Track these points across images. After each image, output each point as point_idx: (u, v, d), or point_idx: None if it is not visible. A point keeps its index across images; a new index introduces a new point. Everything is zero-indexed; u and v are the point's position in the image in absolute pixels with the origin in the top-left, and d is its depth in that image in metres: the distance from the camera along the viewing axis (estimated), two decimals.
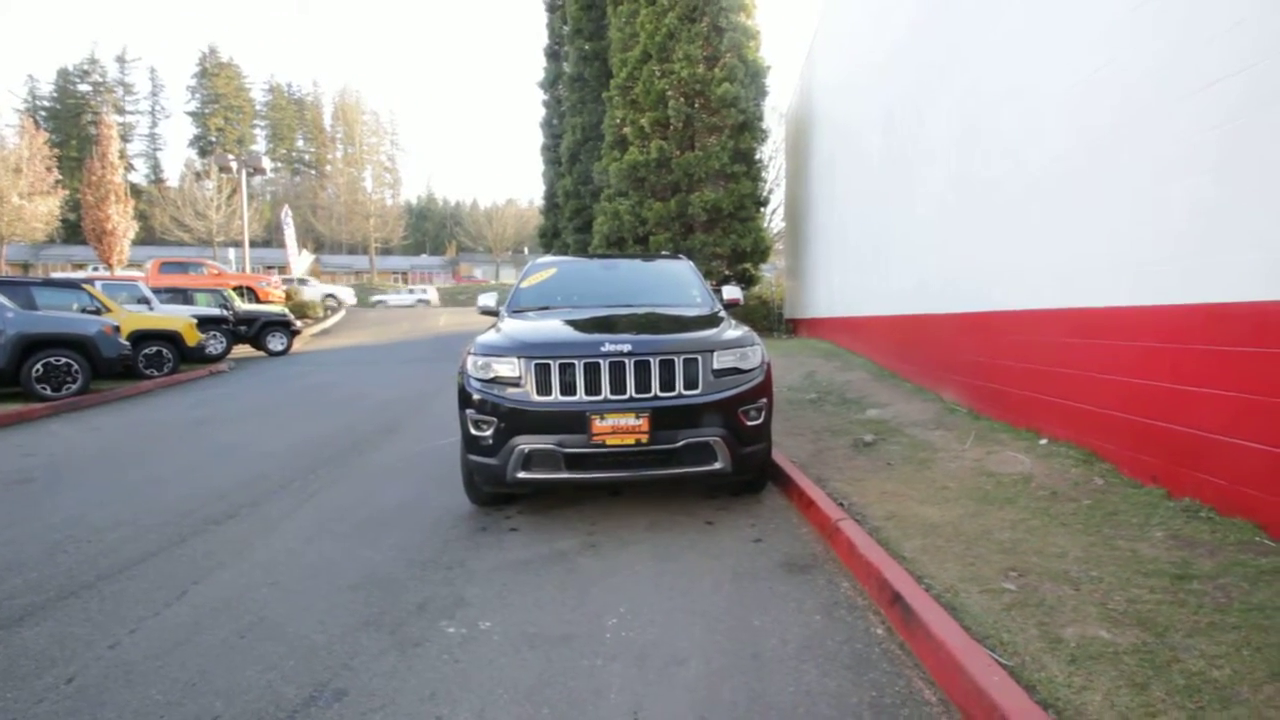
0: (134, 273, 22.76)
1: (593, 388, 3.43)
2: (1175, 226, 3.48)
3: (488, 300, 5.03)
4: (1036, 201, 4.89)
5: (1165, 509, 3.26)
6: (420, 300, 37.28)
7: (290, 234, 23.83)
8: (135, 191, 29.34)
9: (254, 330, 14.96)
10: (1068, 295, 4.44)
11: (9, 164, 24.46)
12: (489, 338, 3.88)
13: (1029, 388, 4.91)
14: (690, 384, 3.49)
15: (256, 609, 2.78)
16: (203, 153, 50.49)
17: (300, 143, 59.06)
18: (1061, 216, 4.58)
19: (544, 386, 3.45)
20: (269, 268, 34.40)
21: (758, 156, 14.70)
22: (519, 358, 3.54)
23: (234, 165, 21.00)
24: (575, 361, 3.45)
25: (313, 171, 58.02)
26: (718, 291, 5.09)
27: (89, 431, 6.76)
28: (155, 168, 56.11)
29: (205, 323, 12.46)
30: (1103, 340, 4.04)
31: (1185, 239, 3.41)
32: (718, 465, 3.52)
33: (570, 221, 17.92)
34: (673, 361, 3.49)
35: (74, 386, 8.09)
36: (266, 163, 24.12)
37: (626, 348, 3.47)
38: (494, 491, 3.81)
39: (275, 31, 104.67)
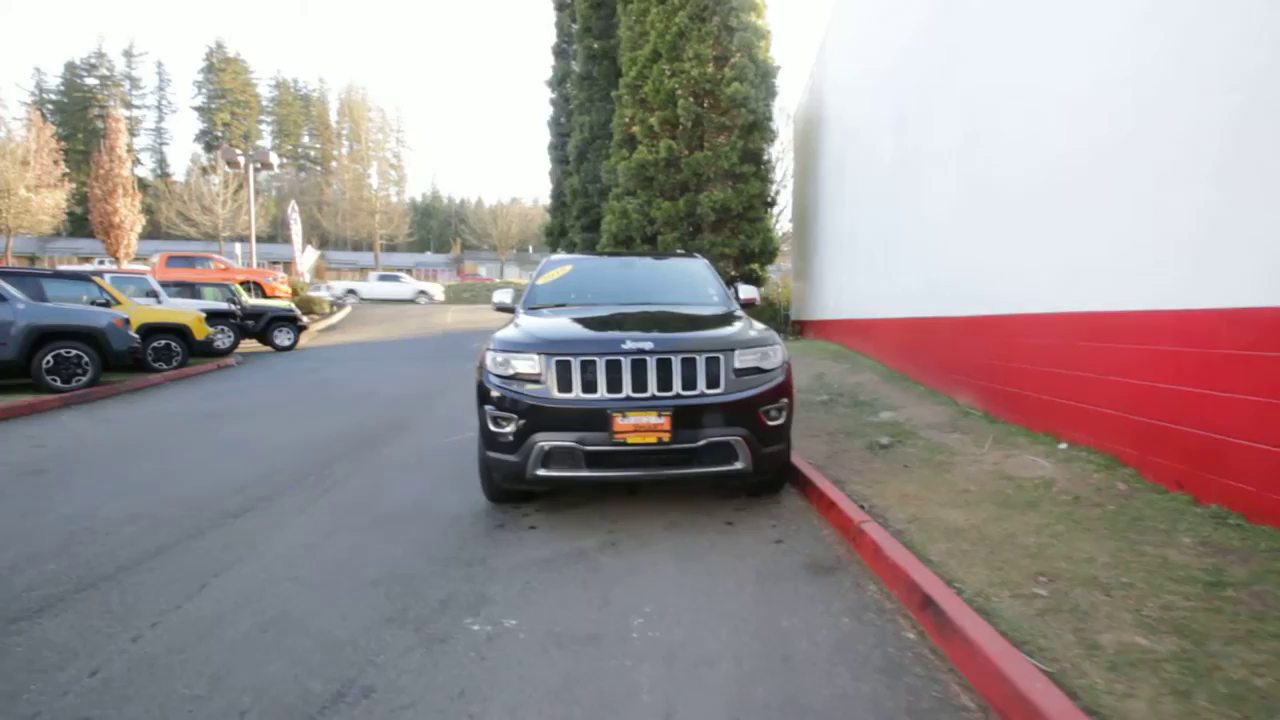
0: (140, 266, 22.80)
1: (614, 385, 3.40)
2: (1189, 231, 3.45)
3: (503, 297, 5.01)
4: (1053, 204, 4.86)
5: (1192, 515, 3.23)
6: (421, 293, 32.23)
7: (297, 230, 23.84)
8: (141, 186, 29.38)
9: (261, 325, 14.96)
10: (1087, 299, 4.40)
11: (16, 157, 24.50)
12: (508, 334, 3.85)
13: (1047, 391, 4.87)
14: (712, 383, 3.47)
15: (278, 603, 2.76)
16: (209, 147, 50.58)
17: (306, 139, 59.12)
18: (1078, 219, 4.55)
19: (565, 383, 3.43)
20: (274, 263, 34.44)
21: (766, 157, 14.65)
22: (539, 354, 3.52)
23: (241, 160, 21.02)
24: (597, 359, 3.42)
25: (318, 168, 58.08)
26: (733, 290, 5.06)
27: (100, 424, 6.75)
28: (161, 162, 56.26)
29: (213, 317, 12.47)
30: (1125, 344, 4.01)
31: (1201, 243, 3.38)
32: (739, 465, 3.49)
33: (577, 220, 17.90)
34: (695, 360, 3.46)
35: (84, 379, 8.08)
36: (274, 157, 24.11)
37: (648, 345, 3.44)
38: (512, 488, 3.78)
39: (282, 27, 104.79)
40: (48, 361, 7.85)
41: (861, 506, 3.58)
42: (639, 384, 3.40)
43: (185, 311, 11.01)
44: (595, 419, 3.36)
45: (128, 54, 54.99)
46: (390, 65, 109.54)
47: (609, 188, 15.90)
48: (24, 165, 24.75)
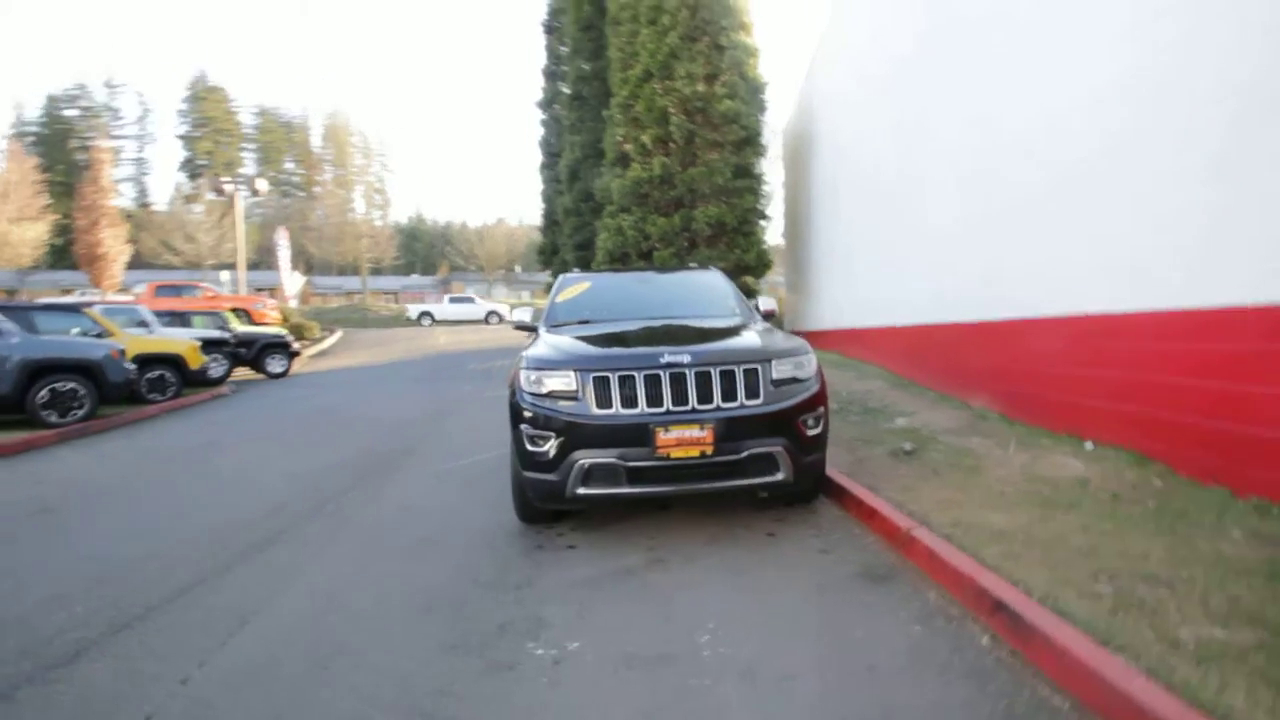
0: (123, 297, 22.46)
1: (654, 399, 3.37)
2: (1200, 228, 3.52)
3: (523, 315, 4.97)
4: (1066, 207, 4.93)
5: (1235, 509, 3.25)
6: (492, 313, 30.60)
7: (285, 256, 23.66)
8: (123, 216, 29.02)
9: (254, 352, 14.76)
10: (1111, 300, 4.45)
11: None
12: (539, 352, 3.81)
13: (1069, 392, 4.91)
14: (751, 394, 3.45)
15: (330, 637, 2.67)
16: (192, 176, 50.21)
17: (289, 165, 58.91)
18: (1093, 221, 4.62)
19: (604, 400, 3.39)
20: (258, 290, 34.09)
21: (758, 171, 14.80)
22: (575, 370, 3.48)
23: (230, 187, 20.83)
24: (635, 373, 3.40)
25: (301, 194, 57.79)
26: (753, 302, 5.07)
27: (101, 459, 6.58)
28: (142, 192, 55.70)
29: (206, 345, 12.27)
30: (1151, 344, 4.05)
31: (1208, 240, 3.45)
32: (780, 476, 3.47)
33: (570, 238, 17.91)
34: (733, 372, 3.45)
35: (80, 412, 7.89)
36: (263, 184, 23.98)
37: (686, 358, 3.42)
38: (549, 508, 3.72)
39: (264, 55, 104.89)
40: (43, 396, 7.66)
41: (906, 513, 3.55)
42: (679, 397, 3.37)
43: (179, 341, 10.84)
44: (636, 434, 3.32)
45: (108, 85, 54.71)
46: (372, 90, 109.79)
47: (602, 205, 15.96)
48: (4, 198, 24.40)
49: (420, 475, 5.51)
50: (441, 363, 16.83)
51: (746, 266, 14.60)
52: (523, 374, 3.64)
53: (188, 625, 2.85)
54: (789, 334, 4.09)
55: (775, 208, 19.17)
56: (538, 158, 22.65)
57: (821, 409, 3.67)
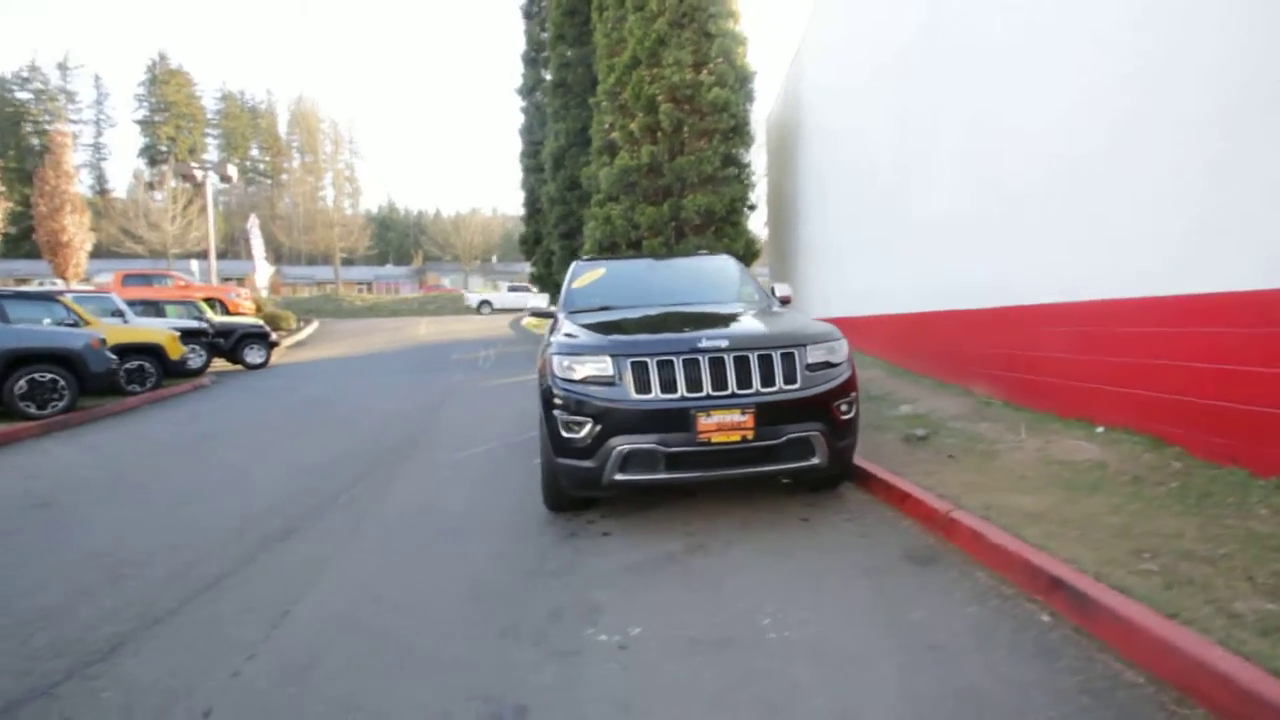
0: (85, 287, 21.62)
1: (693, 384, 3.35)
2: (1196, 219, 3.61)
3: (539, 302, 4.90)
4: (1068, 196, 5.02)
5: (1257, 488, 3.35)
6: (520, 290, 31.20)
7: (258, 244, 22.98)
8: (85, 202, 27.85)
9: (232, 343, 14.36)
10: (1117, 287, 4.54)
11: None
12: (570, 338, 3.75)
13: (1077, 377, 5.01)
14: (789, 378, 3.44)
15: (377, 625, 2.60)
16: (153, 162, 48.43)
17: (255, 151, 57.21)
18: (1096, 210, 4.71)
19: (642, 384, 3.35)
20: (226, 279, 33.11)
21: (746, 161, 14.81)
22: (611, 356, 3.44)
23: (198, 173, 20.10)
24: (674, 358, 3.37)
25: (268, 181, 56.29)
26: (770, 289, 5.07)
27: (88, 451, 6.33)
28: (100, 178, 53.54)
29: (184, 336, 11.89)
30: (1163, 328, 4.15)
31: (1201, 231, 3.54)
32: (815, 461, 3.47)
33: (555, 227, 17.73)
34: (770, 356, 3.44)
35: (60, 404, 7.58)
36: (232, 169, 23.21)
37: (724, 343, 3.40)
38: (584, 495, 3.68)
39: (228, 37, 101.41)
40: (21, 387, 7.34)
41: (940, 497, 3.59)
42: (719, 382, 3.35)
43: (159, 331, 10.47)
44: (676, 419, 3.29)
45: (63, 67, 52.34)
46: (342, 76, 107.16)
47: (589, 194, 15.83)
48: None
49: (429, 465, 5.42)
50: (426, 354, 16.59)
51: (735, 255, 14.61)
52: (555, 360, 3.58)
53: (226, 617, 2.76)
54: (815, 319, 4.09)
55: (758, 197, 19.26)
56: (513, 146, 22.51)
57: (854, 394, 3.69)
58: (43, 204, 19.09)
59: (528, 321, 25.62)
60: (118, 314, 11.57)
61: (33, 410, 7.36)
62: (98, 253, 38.06)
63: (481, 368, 13.42)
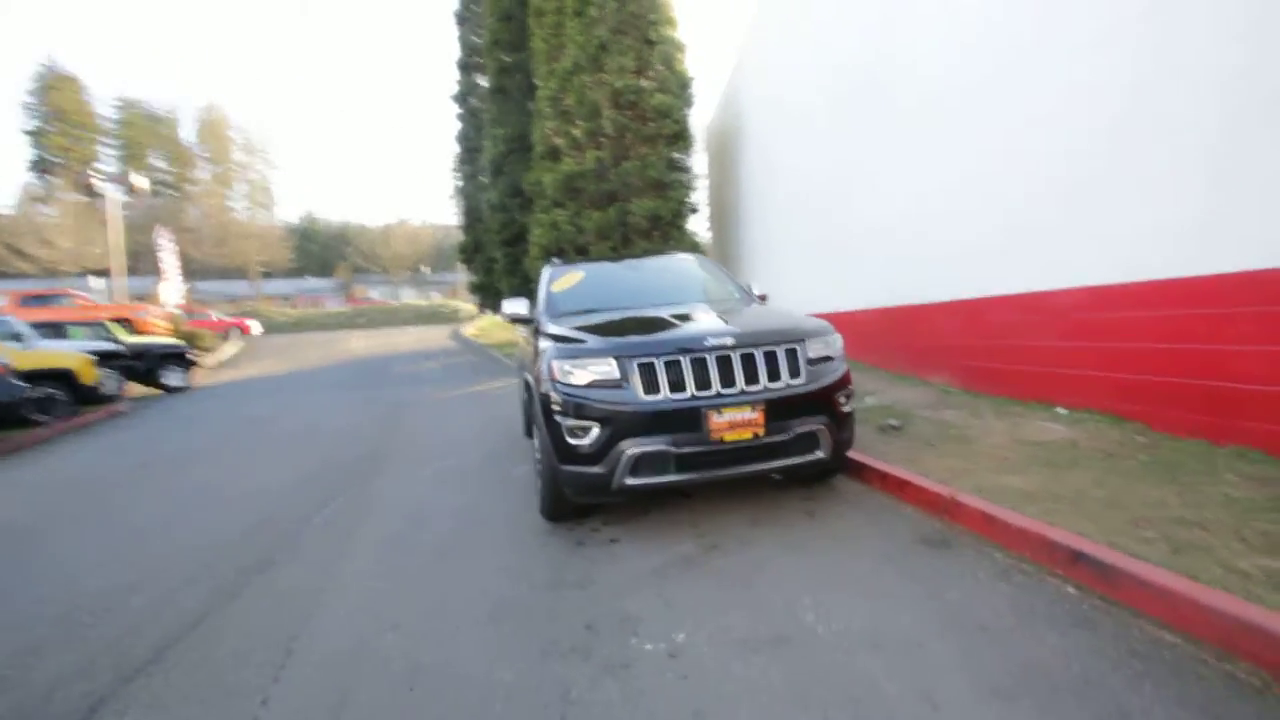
0: None
1: (702, 383, 3.31)
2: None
3: (517, 307, 4.75)
4: (1032, 190, 5.32)
5: (1221, 456, 3.61)
6: None
7: (170, 259, 21.36)
8: None
9: (147, 365, 13.28)
10: (1077, 275, 4.84)
11: None
12: (567, 341, 3.64)
13: (1035, 363, 5.30)
14: (794, 373, 3.46)
15: (401, 655, 2.42)
16: (42, 174, 44.28)
17: (158, 162, 53.20)
18: (1042, 207, 5.01)
19: (651, 385, 3.29)
20: (135, 298, 30.66)
21: (688, 165, 14.98)
22: (615, 358, 3.36)
23: (105, 185, 18.39)
24: (680, 357, 3.32)
25: (174, 192, 52.52)
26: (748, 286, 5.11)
27: (9, 488, 5.68)
28: None
29: (97, 359, 10.89)
30: (1121, 313, 4.44)
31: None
32: (820, 454, 3.51)
33: (498, 235, 17.34)
34: (775, 352, 3.45)
35: None
36: (141, 180, 21.41)
37: (730, 340, 3.38)
38: (590, 502, 3.58)
39: (125, 43, 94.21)
40: None
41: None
42: (726, 379, 3.33)
43: (70, 354, 9.57)
44: (687, 419, 3.25)
45: None
46: (255, 86, 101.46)
47: (531, 200, 15.61)
48: None
49: (401, 482, 5.15)
50: (366, 368, 15.89)
51: None
52: (555, 365, 3.47)
53: (220, 661, 2.50)
54: (806, 315, 4.14)
55: (698, 201, 19.52)
56: (440, 156, 21.99)
57: (851, 387, 3.75)
58: None
59: (469, 331, 24.98)
60: (17, 337, 10.48)
61: None
62: None
63: (429, 380, 12.96)
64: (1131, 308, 4.37)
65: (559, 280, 4.91)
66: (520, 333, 5.61)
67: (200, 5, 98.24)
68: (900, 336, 7.54)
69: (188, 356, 14.15)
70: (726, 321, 3.87)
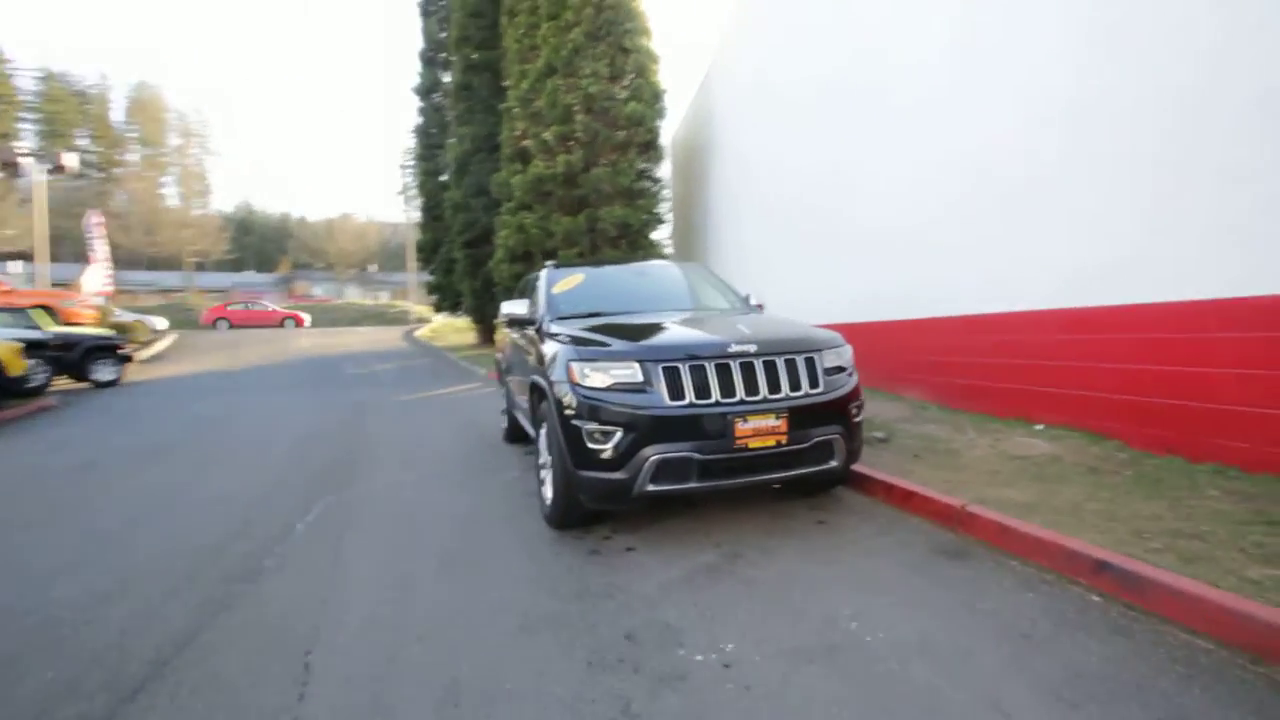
0: None
1: (727, 389, 3.30)
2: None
3: (516, 309, 4.65)
4: (1001, 216, 5.56)
5: (1200, 473, 3.84)
6: None
7: (100, 245, 19.95)
8: None
9: (76, 357, 12.34)
10: (1060, 296, 5.08)
11: None
12: (583, 344, 3.56)
13: (1015, 381, 5.52)
14: (813, 382, 3.49)
15: (435, 668, 2.29)
16: None
17: (83, 141, 49.82)
18: (1028, 229, 5.26)
19: (676, 390, 3.25)
20: (57, 284, 28.51)
21: (658, 175, 15.07)
22: (639, 361, 3.31)
23: (28, 161, 16.97)
24: (706, 363, 3.30)
25: (100, 174, 49.30)
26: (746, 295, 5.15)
27: None
28: None
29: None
30: (1100, 334, 4.68)
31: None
32: (834, 463, 3.55)
33: (460, 235, 16.98)
34: (795, 360, 3.47)
35: None
36: (72, 159, 19.90)
37: (753, 348, 3.39)
38: (607, 509, 3.51)
39: (51, 16, 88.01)
40: None
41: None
42: (750, 386, 3.33)
43: None
44: (713, 425, 3.22)
45: None
46: (193, 70, 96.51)
47: (498, 201, 15.38)
48: None
49: (384, 486, 4.93)
50: (315, 367, 15.24)
51: None
52: (574, 366, 3.39)
53: (229, 678, 2.31)
54: (812, 325, 4.19)
55: (664, 212, 19.65)
56: (388, 151, 21.43)
57: (862, 398, 3.81)
58: None
59: (422, 334, 24.31)
60: None
61: None
62: None
63: (385, 382, 12.53)
64: (1108, 329, 4.61)
65: (560, 283, 4.82)
66: (511, 334, 5.48)
67: None
68: (874, 353, 7.73)
69: (121, 350, 13.23)
70: (741, 327, 3.88)
